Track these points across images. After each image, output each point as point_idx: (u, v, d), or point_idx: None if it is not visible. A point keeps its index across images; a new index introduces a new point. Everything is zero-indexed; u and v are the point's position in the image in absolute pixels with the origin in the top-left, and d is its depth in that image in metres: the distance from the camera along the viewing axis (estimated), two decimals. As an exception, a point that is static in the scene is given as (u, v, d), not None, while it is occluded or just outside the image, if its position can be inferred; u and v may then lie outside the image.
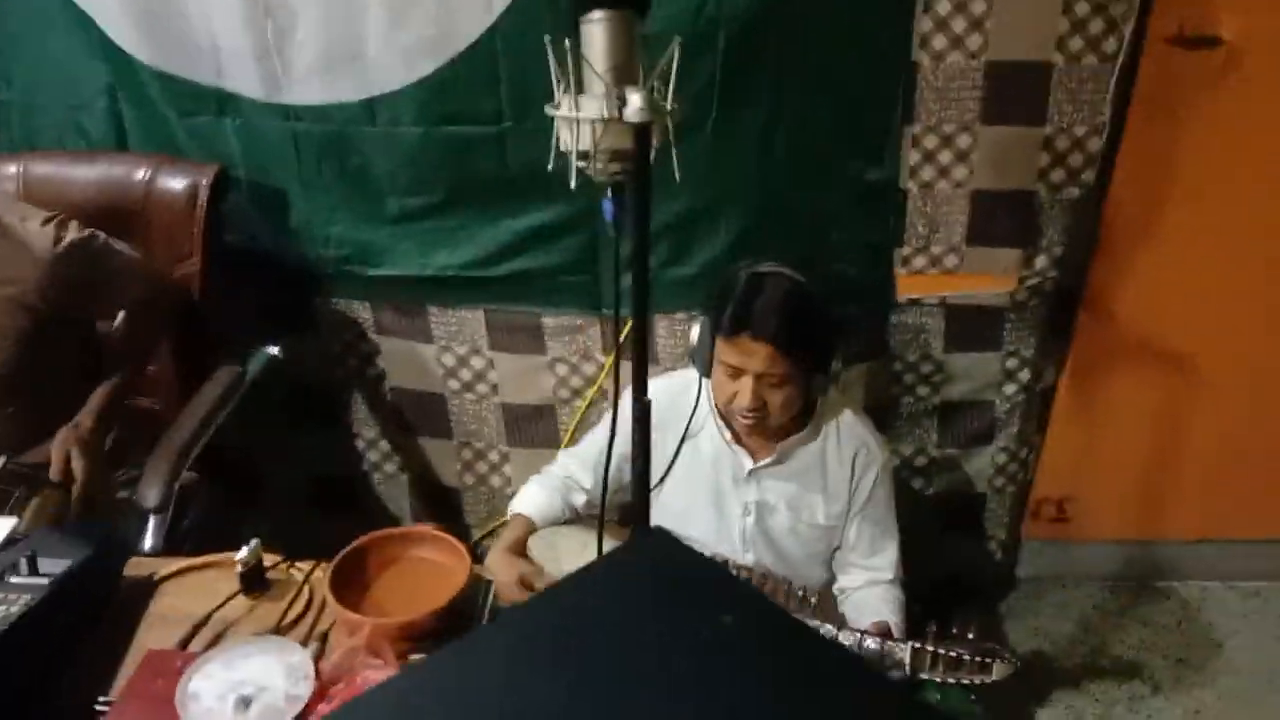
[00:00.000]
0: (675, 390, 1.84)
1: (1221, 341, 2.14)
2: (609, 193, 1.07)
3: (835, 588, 1.87)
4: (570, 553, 1.78)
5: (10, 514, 1.44)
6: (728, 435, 1.80)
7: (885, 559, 1.85)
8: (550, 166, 1.12)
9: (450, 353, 2.16)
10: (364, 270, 2.05)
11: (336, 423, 2.27)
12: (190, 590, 1.30)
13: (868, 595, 1.82)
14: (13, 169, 1.89)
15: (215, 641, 1.22)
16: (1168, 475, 2.31)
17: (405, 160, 1.93)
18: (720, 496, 1.85)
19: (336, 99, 1.88)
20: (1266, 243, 2.05)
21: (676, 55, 1.08)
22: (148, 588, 1.30)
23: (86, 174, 1.85)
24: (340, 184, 1.98)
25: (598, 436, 1.96)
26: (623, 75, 1.04)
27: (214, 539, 1.44)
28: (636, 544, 0.99)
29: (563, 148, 1.09)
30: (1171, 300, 2.11)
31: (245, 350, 1.95)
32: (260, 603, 1.28)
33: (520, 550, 1.76)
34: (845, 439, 1.80)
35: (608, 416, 1.96)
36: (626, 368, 2.06)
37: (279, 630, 1.22)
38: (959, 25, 1.77)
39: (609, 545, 1.62)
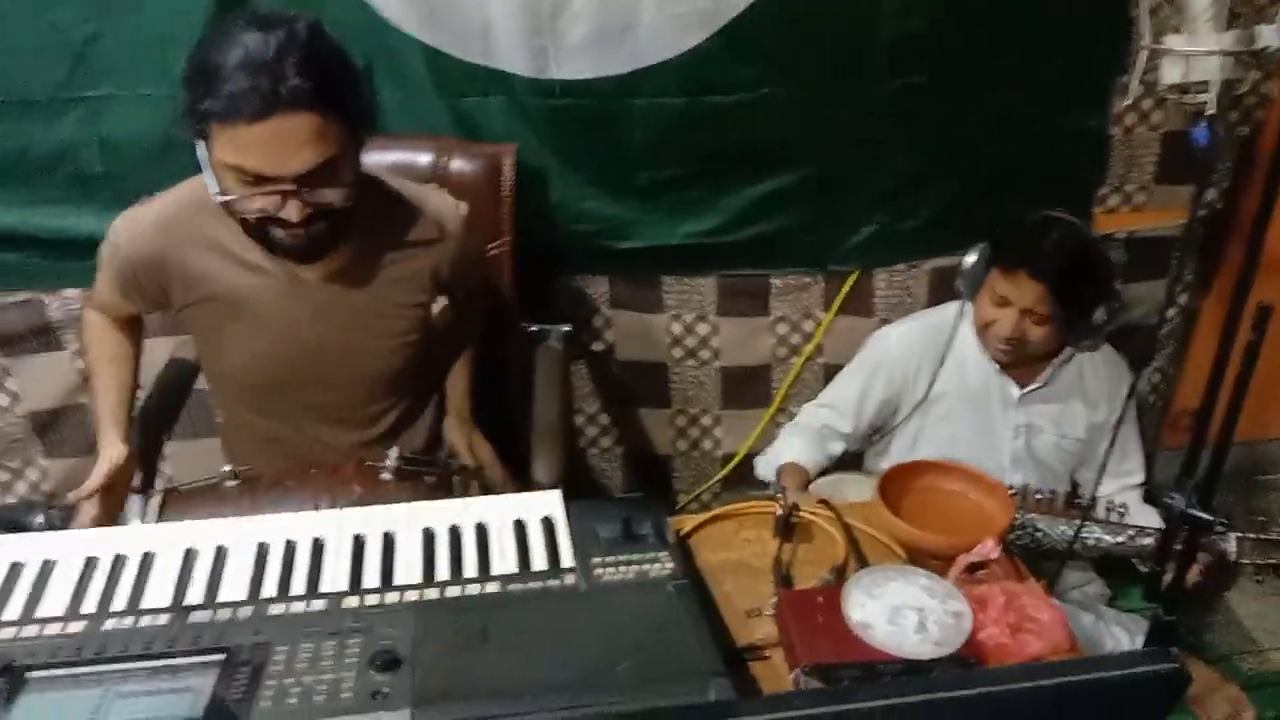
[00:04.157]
0: (931, 328, 1.99)
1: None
2: (1200, 122, 1.19)
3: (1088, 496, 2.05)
4: (860, 499, 1.90)
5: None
6: (995, 365, 1.94)
7: (1135, 463, 2.06)
8: (1128, 102, 1.21)
9: (679, 321, 2.20)
10: (611, 244, 2.07)
11: (561, 401, 2.27)
12: (718, 543, 1.32)
13: (1126, 499, 2.00)
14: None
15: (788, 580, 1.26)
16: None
17: (663, 131, 1.96)
18: (989, 422, 1.99)
19: (604, 73, 1.89)
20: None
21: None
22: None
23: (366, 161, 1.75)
24: (597, 159, 1.99)
25: (846, 385, 2.06)
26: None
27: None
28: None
29: (1166, 83, 1.19)
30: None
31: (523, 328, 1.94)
32: (797, 545, 1.32)
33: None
34: (1098, 356, 1.98)
35: (852, 363, 2.06)
36: (848, 321, 2.19)
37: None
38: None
39: (867, 490, 1.69)
